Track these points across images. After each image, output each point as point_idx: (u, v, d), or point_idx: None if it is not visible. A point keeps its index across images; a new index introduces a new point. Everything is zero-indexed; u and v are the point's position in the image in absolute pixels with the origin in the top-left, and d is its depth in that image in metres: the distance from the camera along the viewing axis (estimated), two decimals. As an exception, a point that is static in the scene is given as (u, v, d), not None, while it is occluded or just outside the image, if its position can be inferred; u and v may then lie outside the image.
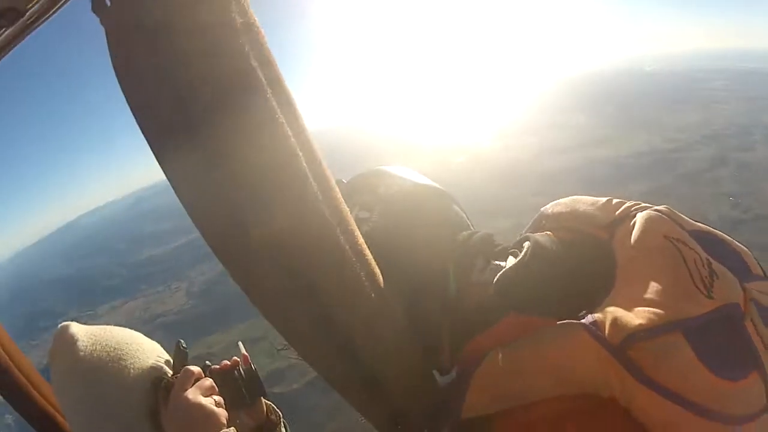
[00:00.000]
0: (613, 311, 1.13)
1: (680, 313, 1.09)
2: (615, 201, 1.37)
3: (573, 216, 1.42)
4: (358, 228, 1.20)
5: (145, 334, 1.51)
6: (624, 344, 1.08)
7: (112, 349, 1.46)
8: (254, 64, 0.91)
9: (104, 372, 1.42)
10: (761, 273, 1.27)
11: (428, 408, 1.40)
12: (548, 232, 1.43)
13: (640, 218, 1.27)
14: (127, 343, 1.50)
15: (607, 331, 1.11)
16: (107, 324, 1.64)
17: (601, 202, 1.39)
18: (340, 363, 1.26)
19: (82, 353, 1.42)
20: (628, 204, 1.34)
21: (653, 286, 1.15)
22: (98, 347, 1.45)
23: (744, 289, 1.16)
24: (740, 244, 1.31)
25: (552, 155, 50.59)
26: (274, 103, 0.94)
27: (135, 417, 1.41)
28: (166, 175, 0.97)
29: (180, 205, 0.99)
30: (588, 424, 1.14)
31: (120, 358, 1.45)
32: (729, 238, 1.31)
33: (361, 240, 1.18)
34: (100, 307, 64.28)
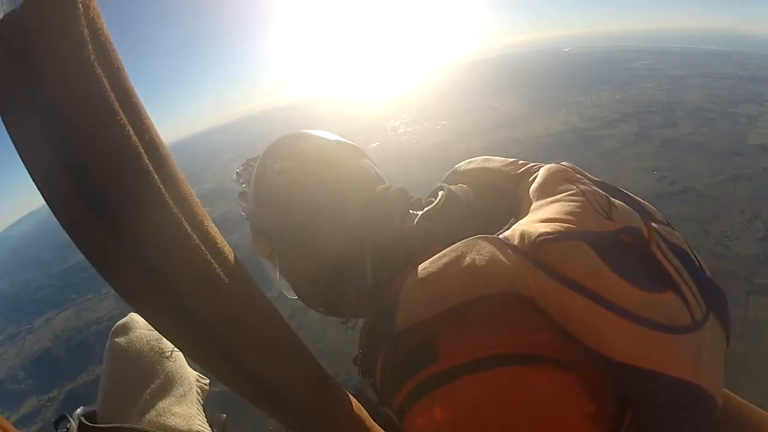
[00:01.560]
0: (520, 226, 1.20)
1: (581, 227, 1.17)
2: (520, 161, 1.51)
3: (482, 171, 1.56)
4: (281, 176, 1.50)
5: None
6: (532, 247, 1.14)
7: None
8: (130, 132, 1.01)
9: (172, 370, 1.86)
10: (664, 222, 1.39)
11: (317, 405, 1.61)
12: (460, 185, 1.53)
13: (542, 170, 1.40)
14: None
15: (516, 241, 1.17)
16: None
17: (508, 161, 1.53)
18: (216, 356, 1.34)
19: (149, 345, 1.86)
20: (532, 164, 1.48)
21: (554, 210, 1.24)
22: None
23: (646, 224, 1.27)
24: (650, 205, 1.44)
25: (470, 137, 49.49)
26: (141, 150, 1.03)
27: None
28: None
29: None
30: (513, 322, 1.15)
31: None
32: (642, 201, 1.44)
33: (223, 245, 1.30)
34: (36, 320, 60.62)
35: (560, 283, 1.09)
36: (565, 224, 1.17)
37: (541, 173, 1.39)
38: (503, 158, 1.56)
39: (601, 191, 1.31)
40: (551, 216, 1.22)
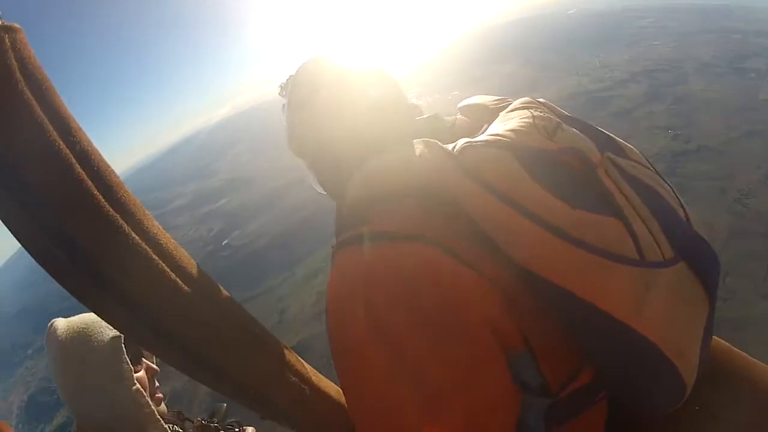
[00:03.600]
0: (464, 139, 1.27)
1: (513, 140, 1.21)
2: (508, 98, 1.59)
3: (474, 107, 1.68)
4: (312, 91, 1.62)
5: None
6: (459, 152, 1.21)
7: (81, 329, 1.87)
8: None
9: (77, 345, 1.82)
10: (643, 161, 1.41)
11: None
12: (459, 116, 1.69)
13: (514, 102, 1.50)
14: (93, 321, 1.91)
15: (450, 147, 1.25)
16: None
17: (497, 98, 1.63)
18: (181, 357, 1.36)
19: (60, 338, 1.85)
20: (517, 100, 1.54)
21: (498, 128, 1.30)
22: (71, 330, 1.88)
23: (602, 153, 1.28)
24: (632, 147, 1.46)
25: None
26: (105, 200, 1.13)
27: (107, 377, 1.77)
28: None
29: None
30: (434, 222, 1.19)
31: (88, 334, 1.84)
32: (620, 140, 1.46)
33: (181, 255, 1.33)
34: None
35: (477, 185, 1.13)
36: (501, 137, 1.23)
37: (512, 104, 1.50)
38: (496, 96, 1.65)
39: (554, 118, 1.38)
40: (494, 132, 1.29)
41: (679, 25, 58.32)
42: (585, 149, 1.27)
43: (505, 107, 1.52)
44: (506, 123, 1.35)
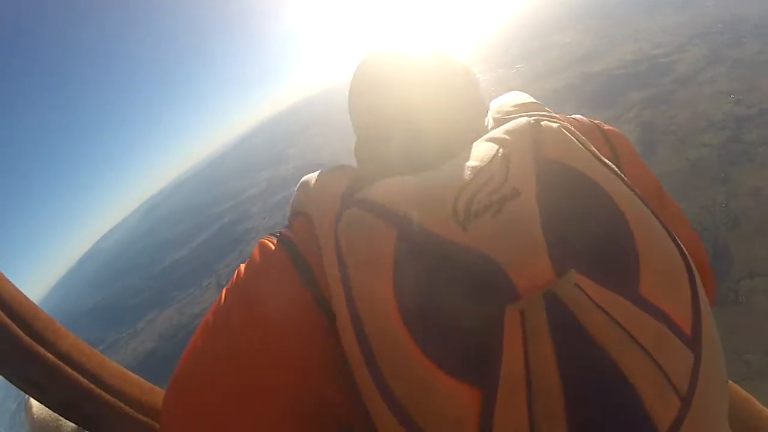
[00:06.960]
0: (380, 183, 0.93)
1: (415, 213, 0.82)
2: (531, 104, 1.26)
3: (496, 110, 1.31)
4: (354, 78, 1.32)
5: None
6: (342, 203, 0.93)
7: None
8: None
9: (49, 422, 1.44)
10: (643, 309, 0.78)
11: None
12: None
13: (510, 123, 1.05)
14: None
15: (352, 193, 0.96)
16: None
17: (519, 103, 1.27)
18: None
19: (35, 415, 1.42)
20: (537, 111, 1.20)
21: (410, 182, 0.89)
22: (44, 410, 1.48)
23: (560, 273, 0.76)
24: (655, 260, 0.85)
25: (546, 77, 47.69)
26: None
27: None
28: None
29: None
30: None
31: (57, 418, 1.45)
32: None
33: None
34: (138, 323, 63.81)
35: (338, 268, 0.83)
36: (397, 202, 0.84)
37: (510, 125, 1.00)
38: (523, 99, 1.25)
39: (496, 180, 0.83)
40: (402, 187, 0.87)
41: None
42: (508, 261, 0.75)
43: (512, 118, 1.08)
44: (454, 163, 0.91)
